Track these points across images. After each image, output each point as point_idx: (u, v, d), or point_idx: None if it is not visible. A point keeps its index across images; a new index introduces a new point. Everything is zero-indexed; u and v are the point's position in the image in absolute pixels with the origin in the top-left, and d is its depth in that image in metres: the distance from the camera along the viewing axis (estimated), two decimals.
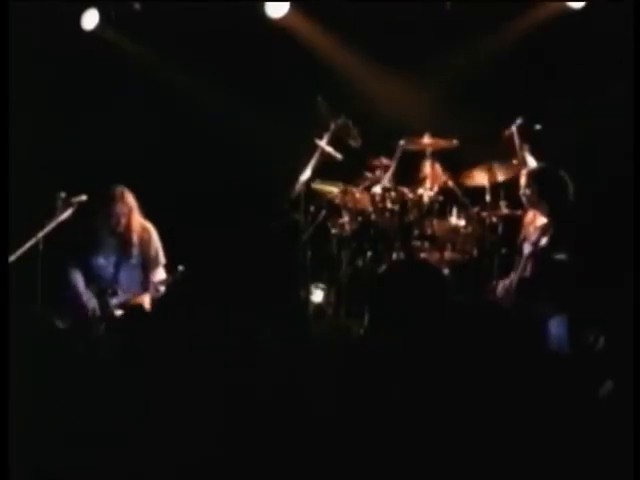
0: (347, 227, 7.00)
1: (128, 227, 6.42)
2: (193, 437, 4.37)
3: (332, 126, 6.92)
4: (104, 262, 6.44)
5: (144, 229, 6.51)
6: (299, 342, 5.94)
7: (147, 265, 6.50)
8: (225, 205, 7.66)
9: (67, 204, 6.30)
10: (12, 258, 5.96)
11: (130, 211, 6.41)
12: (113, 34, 7.82)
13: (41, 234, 6.16)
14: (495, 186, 6.98)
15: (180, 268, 6.28)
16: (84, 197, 6.31)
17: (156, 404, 4.57)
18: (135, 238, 6.44)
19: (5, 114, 5.48)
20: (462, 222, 6.93)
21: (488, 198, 6.96)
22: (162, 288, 6.42)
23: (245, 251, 7.38)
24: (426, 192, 7.01)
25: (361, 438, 4.38)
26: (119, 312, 6.32)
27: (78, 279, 6.39)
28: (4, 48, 5.55)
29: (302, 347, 5.74)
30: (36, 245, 6.17)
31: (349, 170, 7.12)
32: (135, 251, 6.45)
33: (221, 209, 7.64)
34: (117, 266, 6.45)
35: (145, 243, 6.49)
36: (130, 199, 6.43)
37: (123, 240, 6.44)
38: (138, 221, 6.48)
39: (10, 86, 6.06)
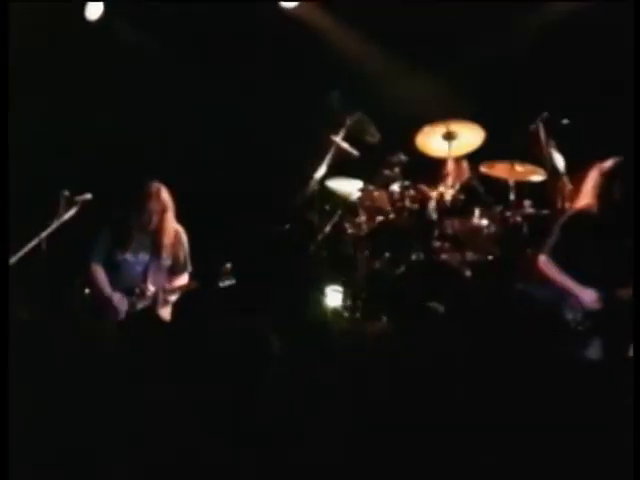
0: (364, 227, 7.01)
1: (161, 227, 6.35)
2: (207, 444, 4.50)
3: (348, 121, 7.02)
4: (132, 259, 6.37)
5: (176, 232, 6.47)
6: (313, 347, 5.89)
7: (174, 269, 6.46)
8: (235, 205, 7.76)
9: (71, 203, 6.25)
10: (13, 259, 5.97)
11: (164, 210, 6.34)
12: (122, 26, 7.95)
13: (44, 234, 6.12)
14: (520, 185, 6.98)
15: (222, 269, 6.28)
16: (88, 196, 6.28)
17: (169, 411, 4.73)
18: (168, 239, 6.39)
19: (5, 111, 5.60)
20: (485, 222, 6.92)
21: (512, 197, 6.97)
22: (173, 297, 6.42)
23: (257, 253, 7.34)
24: (447, 190, 7.02)
25: (380, 445, 4.46)
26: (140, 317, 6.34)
27: (103, 280, 6.32)
28: (4, 42, 5.69)
29: (317, 352, 5.72)
30: (39, 245, 6.16)
31: (366, 167, 7.16)
32: (167, 253, 6.39)
33: (231, 210, 7.75)
34: (147, 266, 6.37)
35: (176, 246, 6.45)
36: (166, 198, 6.36)
37: (155, 240, 6.37)
38: (172, 222, 6.43)
39: (21, 78, 6.30)
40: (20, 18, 7.02)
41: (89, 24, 7.66)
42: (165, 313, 6.39)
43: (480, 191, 7.07)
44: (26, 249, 6.07)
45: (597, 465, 4.25)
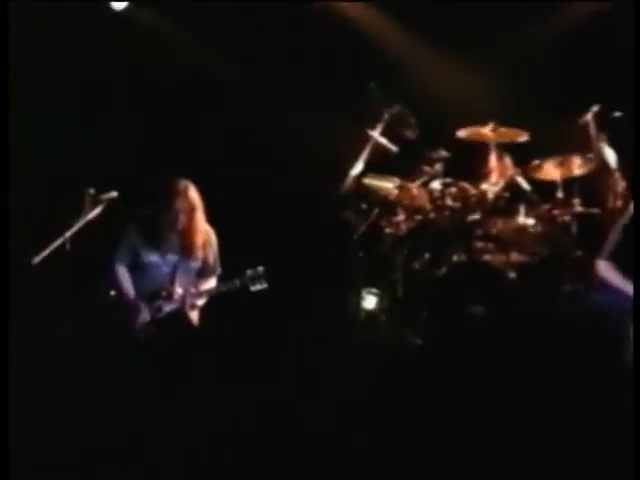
0: (402, 226, 6.92)
1: (190, 226, 6.18)
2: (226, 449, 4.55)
3: (386, 115, 6.81)
4: (159, 260, 6.21)
5: (206, 232, 6.29)
6: (348, 353, 6.01)
7: (203, 272, 6.30)
8: (268, 205, 7.58)
9: (96, 201, 6.13)
10: (37, 259, 5.92)
11: (192, 209, 6.16)
12: (151, 16, 7.83)
13: (68, 233, 6.02)
14: (568, 181, 6.84)
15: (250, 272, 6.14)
16: (114, 194, 6.17)
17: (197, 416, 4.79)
18: (197, 240, 6.21)
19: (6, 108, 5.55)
20: (530, 221, 6.84)
21: (560, 194, 6.84)
22: (202, 301, 6.29)
23: (290, 254, 7.22)
24: (490, 188, 6.93)
25: (414, 458, 4.46)
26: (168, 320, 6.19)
27: (126, 283, 6.18)
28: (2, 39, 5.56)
29: (352, 358, 5.83)
30: (63, 245, 6.05)
31: (405, 163, 7.02)
32: (196, 254, 6.22)
33: (263, 209, 7.57)
34: (175, 267, 6.20)
35: (206, 247, 6.28)
36: (194, 195, 6.19)
37: (184, 240, 6.20)
38: (201, 222, 6.25)
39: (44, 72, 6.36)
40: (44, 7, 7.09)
41: (115, 15, 7.61)
42: (193, 316, 6.24)
43: (525, 188, 6.93)
44: (50, 249, 5.98)
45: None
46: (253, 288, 6.10)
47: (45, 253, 5.98)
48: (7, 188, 5.41)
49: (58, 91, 7.45)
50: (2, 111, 5.47)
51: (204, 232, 6.26)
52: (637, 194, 5.45)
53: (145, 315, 6.10)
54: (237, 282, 6.11)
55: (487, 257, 6.75)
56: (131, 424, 4.70)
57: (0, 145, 5.40)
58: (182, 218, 6.14)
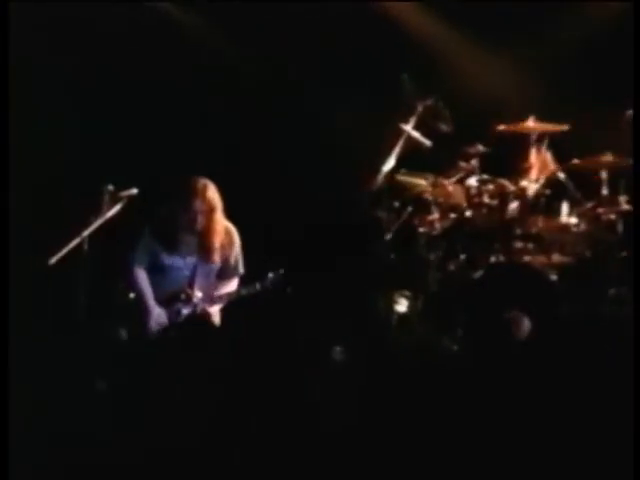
0: (437, 225, 6.78)
1: (209, 227, 6.06)
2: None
3: (419, 108, 6.76)
4: (178, 262, 6.09)
5: (227, 232, 6.16)
6: (379, 359, 5.95)
7: (224, 273, 6.17)
8: (294, 203, 7.45)
9: (115, 199, 5.97)
10: (53, 259, 5.73)
11: (212, 209, 6.04)
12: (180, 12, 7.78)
13: (86, 232, 5.87)
14: (614, 178, 6.67)
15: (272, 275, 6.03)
16: (134, 191, 6.00)
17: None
18: (217, 241, 6.09)
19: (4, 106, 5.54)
20: (573, 220, 6.69)
21: (605, 191, 6.68)
22: (222, 304, 6.16)
23: (318, 254, 7.14)
24: (530, 184, 6.76)
25: (449, 462, 4.48)
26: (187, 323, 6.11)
27: (145, 285, 6.06)
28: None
29: (383, 365, 5.78)
30: (80, 245, 5.89)
31: (439, 159, 6.91)
32: (216, 256, 6.10)
33: (289, 207, 7.43)
34: (194, 270, 6.08)
35: (227, 248, 6.15)
36: (213, 195, 6.06)
37: (203, 242, 6.08)
38: (221, 222, 6.12)
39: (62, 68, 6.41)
40: None
41: (143, 8, 7.56)
42: (214, 319, 6.10)
43: (568, 185, 6.77)
44: (67, 249, 5.79)
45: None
46: (273, 288, 5.99)
47: (62, 253, 5.77)
48: (18, 187, 5.51)
49: (71, 89, 7.42)
50: (2, 111, 5.45)
51: (224, 233, 6.12)
52: (637, 194, 5.48)
53: (163, 318, 5.99)
54: (258, 286, 6.00)
55: (527, 258, 6.60)
56: (151, 427, 4.80)
57: (4, 145, 5.40)
58: (201, 219, 6.00)
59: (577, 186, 6.74)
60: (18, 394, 4.70)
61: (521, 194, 6.67)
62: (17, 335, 5.13)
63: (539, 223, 6.65)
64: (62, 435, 4.74)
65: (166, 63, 7.60)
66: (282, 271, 5.98)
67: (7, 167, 5.36)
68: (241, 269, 6.20)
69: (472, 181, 6.78)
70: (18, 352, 5.17)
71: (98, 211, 5.97)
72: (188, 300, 6.00)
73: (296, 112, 7.61)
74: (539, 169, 6.80)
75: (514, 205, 6.68)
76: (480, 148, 6.85)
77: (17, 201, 5.62)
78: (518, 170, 6.84)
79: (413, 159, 6.75)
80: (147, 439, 4.72)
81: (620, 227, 6.55)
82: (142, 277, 6.06)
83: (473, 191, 6.73)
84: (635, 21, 6.56)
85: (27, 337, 5.82)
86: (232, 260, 6.13)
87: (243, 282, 6.18)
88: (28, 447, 4.59)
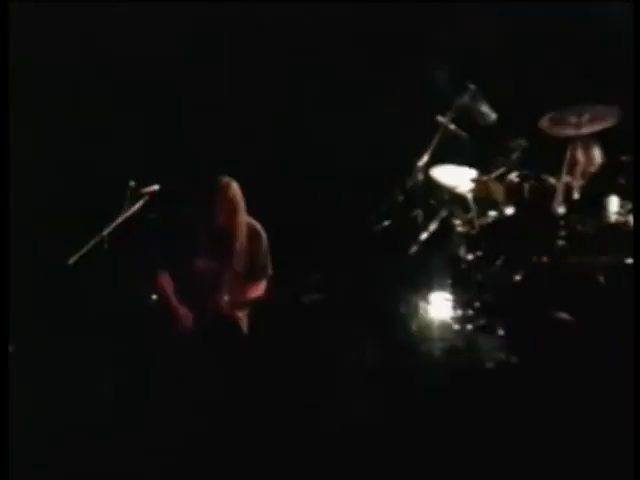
0: (476, 224, 6.65)
1: (232, 227, 6.02)
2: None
3: (457, 100, 6.67)
4: (204, 266, 6.01)
5: (252, 231, 6.13)
6: (415, 366, 5.91)
7: (251, 275, 6.10)
8: (324, 201, 7.38)
9: (137, 195, 5.89)
10: (72, 260, 5.64)
11: (235, 208, 6.00)
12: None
13: (106, 231, 5.80)
14: None
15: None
16: (156, 187, 5.94)
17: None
18: (240, 243, 6.04)
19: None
20: (621, 218, 6.46)
21: None
22: (249, 308, 6.08)
23: (349, 255, 6.98)
24: (576, 180, 6.62)
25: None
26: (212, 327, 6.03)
27: (168, 288, 6.02)
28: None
29: (419, 372, 5.77)
30: (101, 244, 5.82)
31: (478, 153, 6.82)
32: (241, 257, 6.04)
33: (319, 206, 7.36)
34: (218, 272, 6.02)
35: (253, 248, 6.10)
36: (235, 193, 6.02)
37: (227, 241, 6.03)
38: (245, 220, 6.08)
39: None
40: None
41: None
42: (241, 324, 6.00)
43: (616, 182, 6.54)
44: (87, 248, 5.71)
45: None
46: (306, 299, 5.93)
47: (81, 253, 5.66)
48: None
49: (71, 89, 7.37)
50: (2, 111, 5.46)
51: (250, 232, 6.06)
52: (637, 194, 5.48)
53: (188, 322, 5.90)
54: (287, 292, 5.96)
55: (572, 259, 6.38)
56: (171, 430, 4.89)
57: (4, 145, 5.39)
58: (224, 218, 5.95)
59: (627, 182, 6.49)
60: (18, 394, 4.72)
61: (566, 191, 6.49)
62: (24, 336, 5.27)
63: (585, 222, 6.43)
64: (62, 435, 4.83)
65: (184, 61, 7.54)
66: (315, 276, 6.00)
67: (7, 167, 5.33)
68: (269, 271, 6.11)
69: (513, 177, 6.63)
70: (33, 354, 5.39)
71: (119, 208, 5.87)
72: (213, 304, 5.92)
73: (325, 108, 7.47)
74: (585, 164, 6.69)
75: (558, 202, 6.45)
76: (522, 142, 6.72)
77: (19, 202, 5.61)
78: (562, 165, 6.58)
79: (450, 153, 6.69)
80: (164, 441, 4.78)
81: None
82: (166, 279, 5.99)
83: (514, 188, 6.58)
84: (635, 21, 6.40)
85: (40, 339, 5.90)
86: (259, 261, 6.05)
87: (272, 284, 6.07)
88: (28, 447, 4.68)
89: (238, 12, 7.55)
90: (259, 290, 6.08)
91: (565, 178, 6.57)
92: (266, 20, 7.54)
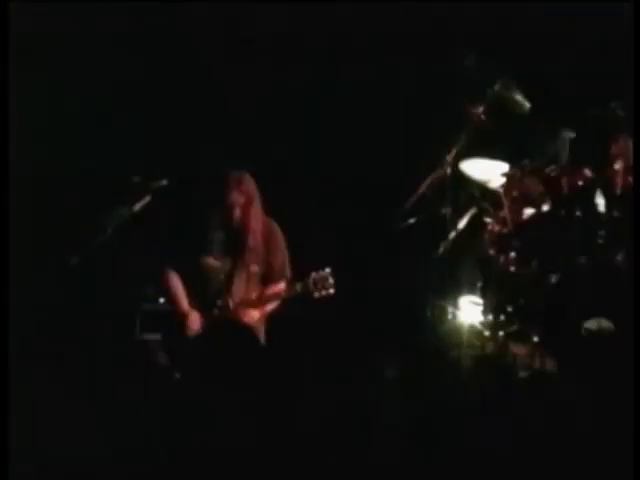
0: (509, 222, 6.44)
1: (245, 223, 5.90)
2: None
3: (489, 89, 6.49)
4: (215, 264, 5.90)
5: (268, 229, 6.02)
6: (443, 375, 5.82)
7: (268, 277, 5.97)
8: (345, 195, 7.24)
9: (143, 190, 5.81)
10: (76, 258, 5.59)
11: (249, 202, 5.89)
12: None
13: (110, 228, 5.69)
14: None
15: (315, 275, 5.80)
16: (164, 182, 5.82)
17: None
18: (254, 240, 5.91)
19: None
20: None
21: None
22: (266, 309, 5.90)
23: (372, 254, 6.93)
24: (618, 174, 6.35)
25: None
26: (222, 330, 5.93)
27: (178, 290, 5.91)
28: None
29: (447, 382, 5.69)
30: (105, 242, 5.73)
31: (512, 146, 6.66)
32: (254, 257, 5.91)
33: (339, 201, 7.23)
34: (231, 272, 5.89)
35: (270, 247, 6.00)
36: (249, 187, 5.93)
37: (240, 239, 5.91)
38: (260, 217, 5.97)
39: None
40: None
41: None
42: (255, 328, 5.82)
43: None
44: (90, 247, 5.65)
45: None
46: (317, 294, 5.73)
47: (85, 251, 5.60)
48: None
49: (73, 89, 7.30)
50: (2, 111, 5.47)
51: (264, 230, 5.97)
52: (637, 194, 5.46)
53: (197, 324, 5.79)
54: (298, 287, 5.76)
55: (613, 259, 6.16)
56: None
57: (4, 145, 5.39)
58: (237, 213, 5.85)
59: None
60: (18, 394, 4.75)
61: (607, 185, 6.24)
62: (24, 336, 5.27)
63: (627, 219, 6.14)
64: (62, 435, 4.85)
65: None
66: (327, 270, 5.74)
67: (7, 167, 5.33)
68: (288, 272, 5.98)
69: (550, 171, 6.40)
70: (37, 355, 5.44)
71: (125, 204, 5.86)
72: (225, 307, 5.80)
73: (350, 101, 7.30)
74: (628, 157, 6.33)
75: (598, 197, 6.25)
76: (569, 134, 6.49)
77: (20, 200, 5.64)
78: (603, 158, 6.39)
79: (482, 146, 6.56)
80: (178, 442, 4.81)
81: None
82: (175, 280, 5.89)
83: (551, 182, 6.35)
84: (635, 21, 6.24)
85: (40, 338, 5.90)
86: (277, 261, 5.94)
87: (291, 286, 6.02)
88: (28, 447, 4.72)
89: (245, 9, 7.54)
90: (276, 293, 5.88)
91: (607, 172, 6.31)
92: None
